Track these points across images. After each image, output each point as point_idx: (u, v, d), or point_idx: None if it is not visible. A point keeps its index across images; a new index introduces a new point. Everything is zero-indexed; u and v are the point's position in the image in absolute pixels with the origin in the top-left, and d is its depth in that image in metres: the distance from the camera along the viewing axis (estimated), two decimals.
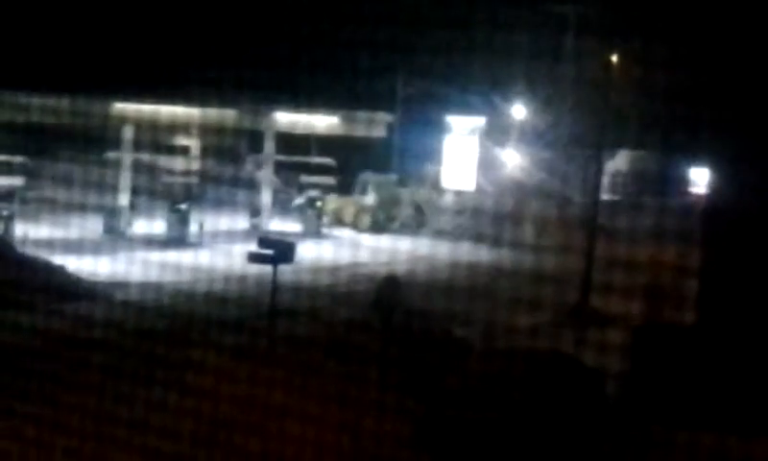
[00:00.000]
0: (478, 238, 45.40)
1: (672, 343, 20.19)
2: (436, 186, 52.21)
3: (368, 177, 51.09)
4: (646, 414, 18.14)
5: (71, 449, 16.33)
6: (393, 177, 51.96)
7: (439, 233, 46.88)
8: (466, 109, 53.68)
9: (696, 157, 52.87)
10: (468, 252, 42.16)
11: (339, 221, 48.75)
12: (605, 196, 43.33)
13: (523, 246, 43.29)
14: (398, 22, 53.12)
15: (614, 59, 37.38)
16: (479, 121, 54.15)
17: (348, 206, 49.79)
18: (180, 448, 16.56)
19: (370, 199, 49.87)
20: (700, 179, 53.58)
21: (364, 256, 39.71)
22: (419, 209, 50.65)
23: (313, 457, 16.37)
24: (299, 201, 49.34)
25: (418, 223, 49.51)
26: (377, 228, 48.36)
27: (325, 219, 47.81)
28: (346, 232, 47.18)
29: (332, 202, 49.55)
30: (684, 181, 57.04)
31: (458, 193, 52.10)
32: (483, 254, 41.76)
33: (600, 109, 34.07)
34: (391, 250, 41.70)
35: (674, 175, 57.01)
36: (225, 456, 16.38)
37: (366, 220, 48.91)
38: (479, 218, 47.88)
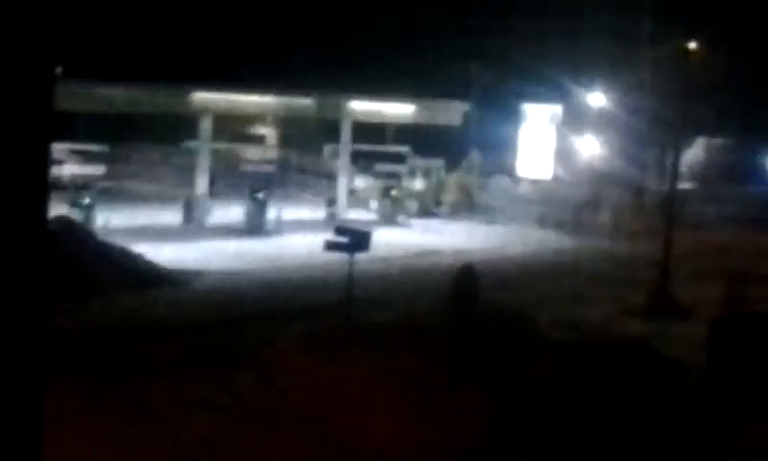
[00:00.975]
0: (542, 224, 45.22)
1: (752, 332, 19.98)
2: (484, 172, 52.41)
3: (416, 162, 51.34)
4: (729, 405, 17.95)
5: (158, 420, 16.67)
6: (440, 161, 52.04)
7: (491, 219, 46.72)
8: (541, 96, 53.50)
9: None
10: (537, 239, 42.01)
11: (388, 206, 48.81)
12: (683, 184, 42.95)
13: (595, 233, 43.05)
14: (475, 10, 53.03)
15: (694, 44, 36.96)
16: (555, 109, 54.00)
17: (398, 190, 49.87)
18: (255, 429, 16.80)
19: (417, 184, 50.15)
20: None
21: (440, 244, 39.74)
22: (467, 195, 50.78)
23: (393, 444, 16.45)
24: (354, 185, 49.58)
25: (465, 208, 49.55)
26: (425, 212, 48.52)
27: (371, 205, 47.98)
28: (422, 221, 47.18)
29: (378, 187, 49.52)
30: (765, 169, 56.38)
31: (522, 180, 52.20)
32: (551, 241, 41.58)
33: (679, 96, 33.73)
34: (464, 237, 41.71)
35: (754, 163, 56.36)
36: (301, 441, 16.52)
37: (413, 204, 48.99)
38: (546, 205, 47.63)
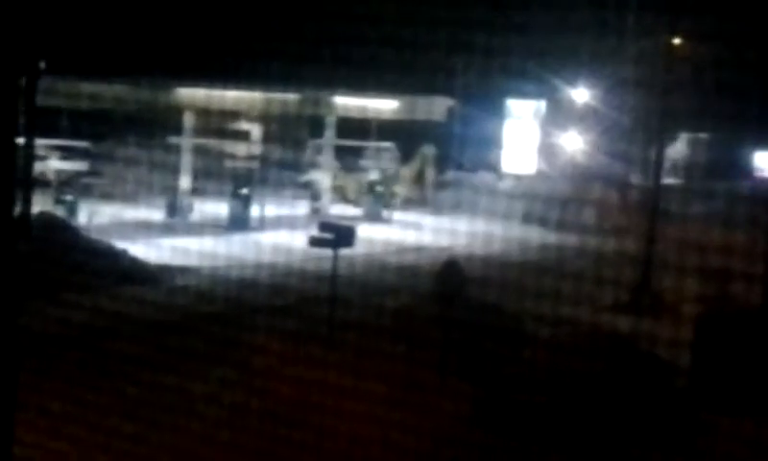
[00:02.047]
0: (525, 220, 45.10)
1: (738, 328, 19.98)
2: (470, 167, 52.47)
3: (369, 152, 51.15)
4: (712, 402, 17.99)
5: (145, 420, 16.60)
6: (394, 152, 51.83)
7: (446, 212, 46.50)
8: (526, 92, 53.56)
9: (763, 141, 52.33)
10: (520, 235, 41.91)
11: (342, 198, 48.59)
12: (668, 180, 42.99)
13: (579, 230, 43.04)
14: (459, 5, 52.97)
15: (678, 39, 37.03)
16: (539, 104, 54.06)
17: (349, 182, 49.62)
18: (252, 424, 16.79)
19: (371, 175, 49.86)
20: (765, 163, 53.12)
21: (423, 240, 39.71)
22: (421, 188, 50.67)
23: (378, 433, 16.50)
24: (304, 178, 49.45)
25: (419, 202, 49.28)
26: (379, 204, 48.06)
27: (327, 197, 47.72)
28: (411, 216, 47.09)
29: (334, 179, 49.34)
30: (750, 165, 56.50)
31: (506, 175, 52.30)
32: (534, 238, 41.53)
33: (663, 90, 33.78)
34: (446, 233, 41.61)
35: (739, 158, 56.47)
36: (291, 431, 16.53)
37: (367, 195, 48.66)
38: (529, 201, 47.55)
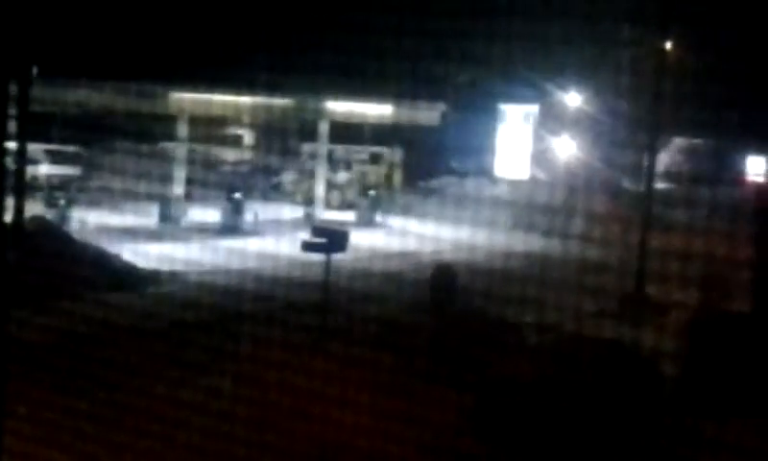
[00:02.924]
0: (516, 226, 45.01)
1: (731, 331, 20.01)
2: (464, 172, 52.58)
3: (339, 154, 51.16)
4: (704, 406, 18.01)
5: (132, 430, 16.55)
6: (364, 154, 51.88)
7: (461, 221, 46.26)
8: (518, 97, 53.61)
9: (754, 146, 52.44)
10: (510, 241, 41.82)
11: (311, 200, 48.62)
12: (660, 185, 43.01)
13: (570, 236, 42.97)
14: (452, 11, 52.99)
15: (669, 45, 37.09)
16: (532, 108, 54.12)
17: (326, 186, 49.69)
18: (236, 431, 16.76)
19: (341, 177, 49.85)
20: (757, 167, 53.20)
21: (416, 245, 39.65)
22: (389, 190, 50.75)
23: (370, 444, 16.48)
24: (275, 181, 49.46)
25: (386, 204, 49.19)
26: (348, 206, 48.04)
27: (297, 198, 47.62)
28: (398, 221, 47.06)
29: (299, 182, 49.26)
30: (741, 170, 56.55)
31: (499, 180, 52.40)
32: (524, 244, 41.42)
33: (655, 96, 33.83)
34: (441, 238, 41.58)
35: (730, 163, 56.54)
36: (280, 440, 16.51)
37: (336, 198, 48.60)
38: (520, 207, 47.48)
